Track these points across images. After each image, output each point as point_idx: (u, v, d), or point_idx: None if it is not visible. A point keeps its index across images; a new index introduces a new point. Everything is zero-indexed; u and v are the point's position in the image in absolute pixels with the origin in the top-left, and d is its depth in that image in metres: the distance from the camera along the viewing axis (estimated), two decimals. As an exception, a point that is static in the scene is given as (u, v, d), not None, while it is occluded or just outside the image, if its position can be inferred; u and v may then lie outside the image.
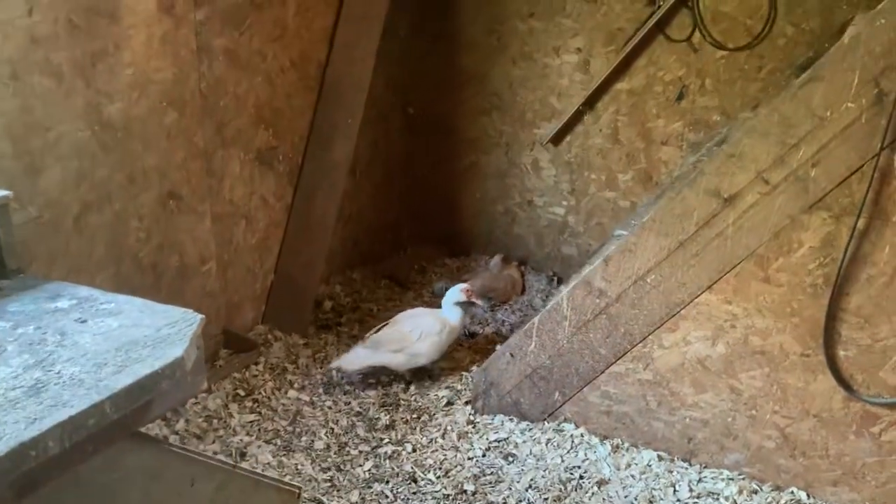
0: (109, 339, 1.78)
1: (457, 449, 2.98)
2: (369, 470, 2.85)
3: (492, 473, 2.85)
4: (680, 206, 2.61)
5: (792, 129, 2.39)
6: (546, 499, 2.70)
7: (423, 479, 2.81)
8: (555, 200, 4.48)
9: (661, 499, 2.70)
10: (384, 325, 3.40)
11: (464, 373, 3.50)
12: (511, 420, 3.12)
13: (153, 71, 2.87)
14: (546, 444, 2.97)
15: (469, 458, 2.93)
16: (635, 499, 2.70)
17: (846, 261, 2.42)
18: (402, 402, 3.29)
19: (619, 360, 2.88)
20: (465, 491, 2.75)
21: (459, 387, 3.40)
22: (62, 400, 1.53)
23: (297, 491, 2.06)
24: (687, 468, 2.85)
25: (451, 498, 2.72)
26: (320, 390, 3.34)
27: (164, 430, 2.92)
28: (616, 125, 4.14)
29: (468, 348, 3.73)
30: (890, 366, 2.46)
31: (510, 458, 2.92)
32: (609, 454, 2.92)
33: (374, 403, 3.26)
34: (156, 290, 3.05)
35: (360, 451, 2.96)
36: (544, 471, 2.85)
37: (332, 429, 3.08)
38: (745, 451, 2.76)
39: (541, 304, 4.03)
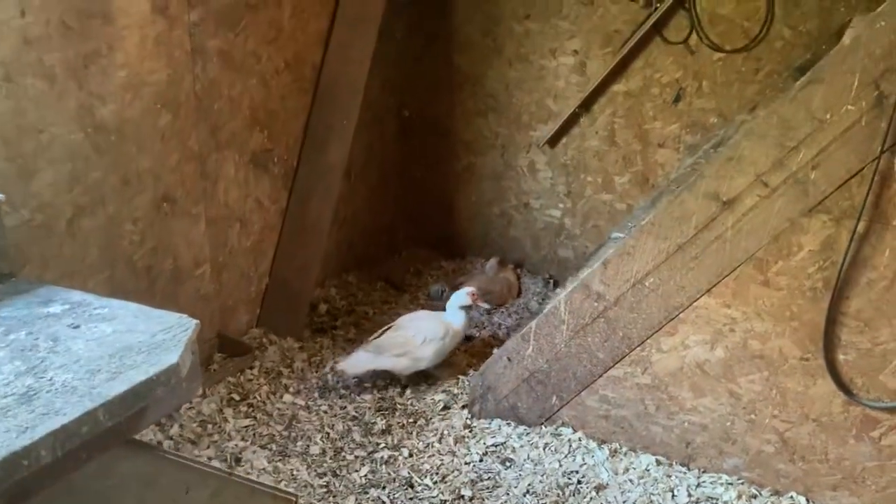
0: (103, 345, 1.76)
1: (454, 454, 2.96)
2: (365, 475, 2.83)
3: (489, 478, 2.82)
4: (679, 209, 2.60)
5: (791, 131, 2.38)
6: (544, 504, 2.69)
7: (419, 485, 2.78)
8: (551, 203, 4.46)
9: (660, 504, 2.69)
10: (387, 329, 3.38)
11: (460, 376, 3.48)
12: (508, 424, 3.10)
13: (147, 73, 2.84)
14: (544, 449, 2.95)
15: (466, 463, 2.90)
16: (634, 504, 2.69)
17: (846, 264, 2.40)
18: (399, 406, 3.27)
19: (617, 364, 2.86)
20: (463, 496, 2.72)
21: (456, 391, 3.38)
22: (54, 408, 1.51)
23: (294, 499, 2.04)
24: (685, 473, 2.83)
25: None
26: (316, 394, 3.31)
27: (158, 436, 2.89)
28: (613, 127, 4.13)
29: (464, 352, 3.70)
30: (890, 370, 2.45)
31: (507, 463, 2.90)
32: (607, 459, 2.90)
33: (370, 408, 3.24)
34: (150, 293, 3.02)
35: (357, 457, 2.93)
36: (542, 476, 2.83)
37: (328, 433, 3.05)
38: (744, 456, 2.75)
39: (537, 307, 4.01)
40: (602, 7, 3.97)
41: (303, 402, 3.24)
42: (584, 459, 2.90)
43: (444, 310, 3.52)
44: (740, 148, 2.47)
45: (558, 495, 2.72)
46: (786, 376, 2.60)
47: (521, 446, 2.98)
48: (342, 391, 3.35)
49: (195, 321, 1.87)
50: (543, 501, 2.70)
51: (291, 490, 2.48)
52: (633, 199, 4.18)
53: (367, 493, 2.73)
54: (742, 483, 2.76)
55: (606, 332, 2.83)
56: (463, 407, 3.24)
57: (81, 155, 2.64)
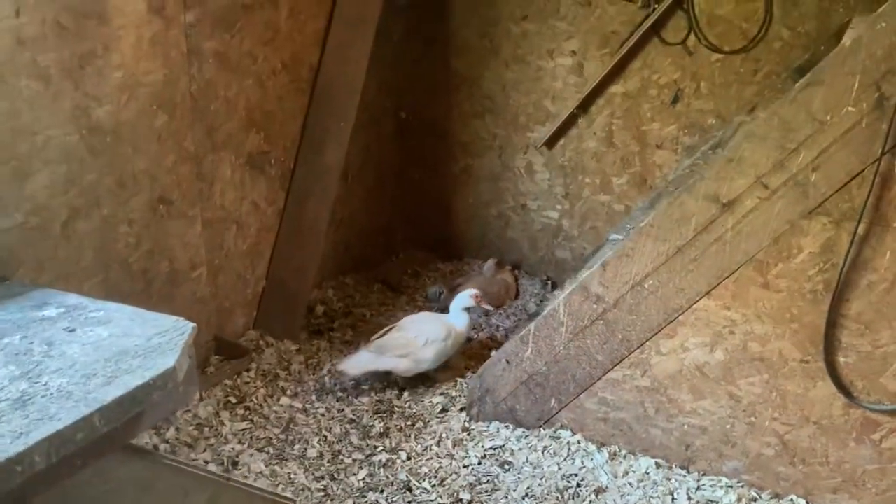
0: (99, 349, 1.74)
1: (452, 457, 2.94)
2: (363, 479, 2.81)
3: (488, 482, 2.81)
4: (678, 211, 2.58)
5: (792, 133, 2.37)
6: (543, 508, 2.67)
7: (418, 488, 2.77)
8: (549, 204, 4.45)
9: (660, 507, 2.68)
10: (389, 330, 3.36)
11: (458, 379, 3.46)
12: (507, 427, 3.09)
13: (143, 73, 2.83)
14: (542, 452, 2.94)
15: (465, 467, 2.89)
16: (633, 507, 2.68)
17: (846, 267, 2.39)
18: (396, 408, 3.25)
19: (616, 366, 2.84)
20: (461, 500, 2.71)
21: (454, 393, 3.36)
22: (49, 413, 1.49)
23: (292, 503, 2.02)
24: (685, 476, 2.82)
25: (446, 507, 2.68)
26: (313, 397, 3.29)
27: (154, 439, 2.87)
28: (610, 128, 4.11)
29: (462, 354, 3.68)
30: (891, 372, 2.44)
31: (506, 466, 2.89)
32: (606, 462, 2.88)
33: (367, 410, 3.22)
34: (146, 296, 3.00)
35: (354, 460, 2.91)
36: (541, 479, 2.81)
37: (326, 437, 3.03)
38: (743, 459, 2.74)
39: (535, 309, 3.99)
40: (600, 8, 3.96)
41: (300, 405, 3.22)
42: (583, 462, 2.89)
43: (440, 311, 3.50)
44: (740, 149, 2.45)
45: (557, 499, 2.71)
46: (786, 379, 2.59)
47: (520, 449, 2.96)
48: (339, 394, 3.33)
49: (192, 324, 1.86)
50: (542, 505, 2.69)
51: (289, 495, 2.47)
52: (631, 200, 4.17)
53: (365, 496, 2.71)
54: (742, 486, 2.74)
55: (605, 334, 2.82)
56: (461, 409, 3.22)
57: (77, 156, 2.62)
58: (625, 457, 2.91)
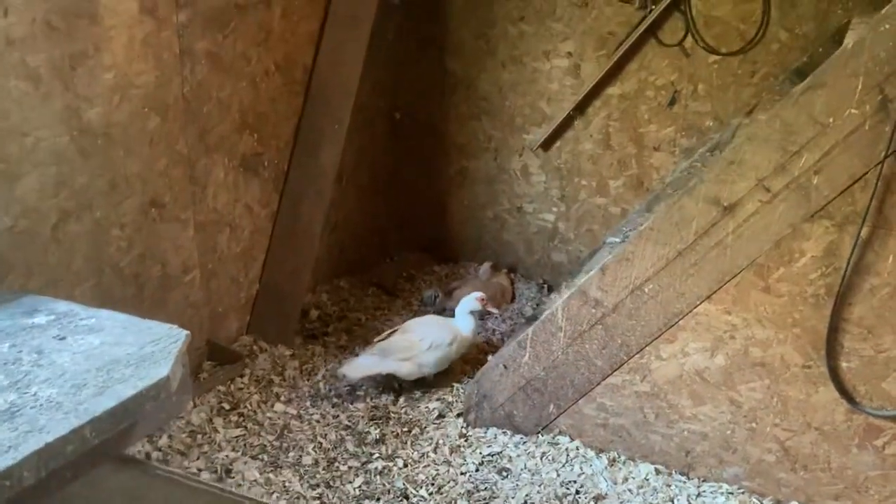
0: (90, 358, 1.70)
1: (449, 464, 2.90)
2: (359, 486, 2.77)
3: (486, 489, 2.77)
4: (678, 214, 2.55)
5: (793, 135, 2.34)
6: (542, 515, 2.64)
7: (415, 496, 2.72)
8: (545, 207, 4.41)
9: (660, 514, 2.65)
10: (393, 332, 3.32)
11: (455, 384, 3.43)
12: (504, 433, 3.05)
13: (134, 74, 2.78)
14: (541, 458, 2.90)
15: (462, 474, 2.85)
16: (633, 514, 2.64)
17: (849, 270, 2.36)
18: (392, 414, 3.20)
19: (615, 371, 2.81)
20: (459, 508, 2.67)
21: (450, 399, 3.33)
22: (38, 425, 1.45)
23: (287, 514, 1.98)
24: (685, 482, 2.78)
25: (444, 515, 2.64)
26: (307, 403, 3.24)
27: (147, 447, 2.82)
28: (607, 130, 4.08)
29: (458, 358, 3.64)
30: (894, 377, 2.41)
31: (504, 473, 2.85)
32: (606, 468, 2.85)
33: (363, 416, 3.18)
34: (137, 300, 2.95)
35: (350, 467, 2.87)
36: (539, 486, 2.77)
37: (321, 443, 2.99)
38: (744, 465, 2.71)
39: (531, 313, 3.96)
40: (596, 9, 3.93)
41: (294, 411, 3.17)
42: (582, 469, 2.85)
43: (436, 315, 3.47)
44: (741, 152, 2.43)
45: (556, 506, 2.68)
46: (787, 384, 2.56)
47: (518, 455, 2.93)
48: (334, 399, 3.28)
49: (186, 332, 1.81)
50: (541, 512, 2.65)
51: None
52: (627, 202, 4.14)
53: (361, 504, 2.68)
54: (743, 492, 2.71)
55: (604, 339, 2.79)
56: (458, 415, 3.19)
57: (67, 158, 2.57)
58: (624, 463, 2.88)
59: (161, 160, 2.96)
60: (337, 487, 2.75)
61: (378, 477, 2.82)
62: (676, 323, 2.66)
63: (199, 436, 2.94)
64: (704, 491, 2.74)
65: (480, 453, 2.95)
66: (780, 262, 2.47)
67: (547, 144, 4.27)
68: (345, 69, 3.66)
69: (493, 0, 4.17)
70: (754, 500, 2.69)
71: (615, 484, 2.78)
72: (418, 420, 3.17)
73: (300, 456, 2.90)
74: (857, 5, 3.36)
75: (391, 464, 2.89)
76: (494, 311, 3.55)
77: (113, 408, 1.52)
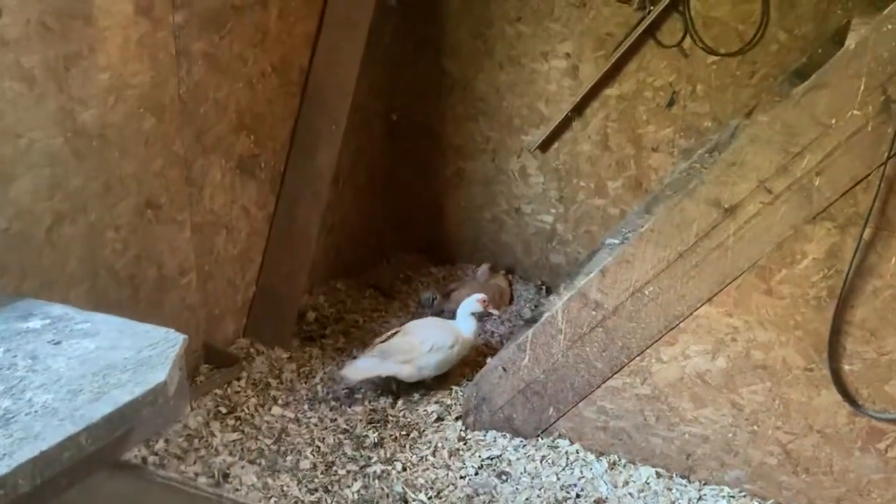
0: (86, 363, 1.67)
1: (448, 467, 2.88)
2: (358, 491, 2.74)
3: (485, 493, 2.75)
4: (679, 216, 2.53)
5: (795, 137, 2.32)
6: (542, 519, 2.61)
7: (414, 500, 2.70)
8: (543, 208, 4.39)
9: (661, 518, 2.63)
10: (394, 334, 3.30)
11: (453, 386, 3.40)
12: (504, 436, 3.03)
13: (130, 75, 2.75)
14: (541, 462, 2.88)
15: (461, 477, 2.83)
16: (634, 518, 2.63)
17: (851, 272, 2.35)
18: (391, 417, 3.18)
19: (615, 374, 2.79)
20: (459, 512, 2.65)
21: (449, 401, 3.30)
22: (33, 432, 1.42)
23: (286, 520, 1.95)
24: (686, 485, 2.77)
25: (444, 520, 2.62)
26: (305, 406, 3.22)
27: (143, 451, 2.79)
28: (605, 131, 4.07)
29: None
30: (896, 380, 2.40)
31: (504, 477, 2.83)
32: (606, 471, 2.83)
33: (360, 420, 3.15)
34: (133, 303, 2.92)
35: (348, 471, 2.84)
36: (539, 489, 2.75)
37: (319, 447, 2.96)
38: (746, 468, 2.69)
39: (530, 315, 3.94)
40: (594, 10, 3.91)
41: (292, 415, 3.14)
42: (582, 472, 2.83)
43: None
44: (743, 153, 2.41)
45: (557, 510, 2.66)
46: (789, 387, 2.55)
47: (518, 459, 2.91)
48: (332, 403, 3.25)
49: (183, 336, 1.78)
50: (541, 516, 2.63)
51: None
52: (626, 204, 4.12)
53: (359, 509, 2.65)
54: (744, 496, 2.70)
55: (605, 341, 2.77)
56: (457, 418, 3.16)
57: (62, 160, 2.54)
58: (625, 466, 2.86)
59: (157, 161, 2.94)
60: (335, 492, 2.73)
61: (377, 481, 2.79)
62: (677, 325, 2.65)
63: (196, 440, 2.91)
64: (706, 494, 2.73)
65: (480, 457, 2.93)
66: (782, 264, 2.45)
67: (545, 146, 4.25)
68: (341, 70, 3.63)
69: (490, 1, 4.15)
70: (756, 503, 2.67)
71: (615, 487, 2.76)
72: (417, 423, 3.14)
73: (298, 460, 2.88)
74: (857, 6, 3.35)
75: (390, 468, 2.86)
76: (495, 312, 3.53)
77: (109, 414, 1.49)
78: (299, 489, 2.72)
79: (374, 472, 2.84)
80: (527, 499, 2.70)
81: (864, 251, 2.33)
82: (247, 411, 3.12)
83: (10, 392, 1.55)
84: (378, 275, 4.54)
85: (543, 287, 4.40)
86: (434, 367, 3.26)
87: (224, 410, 3.10)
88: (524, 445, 2.97)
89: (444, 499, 2.71)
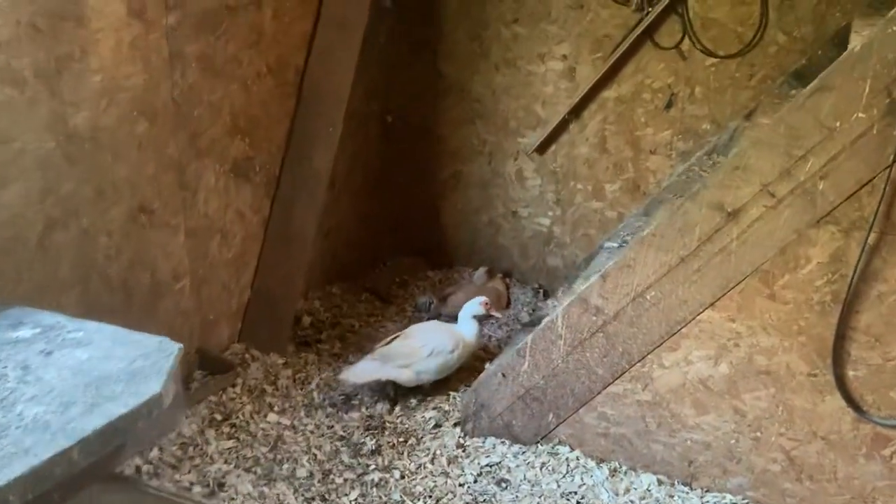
0: (78, 374, 1.62)
1: (447, 475, 2.84)
2: (356, 499, 2.70)
3: (485, 501, 2.71)
4: (681, 220, 2.50)
5: (799, 140, 2.29)
6: (543, 528, 2.58)
7: (413, 509, 2.66)
8: (540, 211, 4.36)
9: (664, 526, 2.59)
10: (396, 338, 3.26)
11: (451, 392, 3.36)
12: (503, 443, 2.99)
13: (122, 78, 2.70)
14: (541, 469, 2.84)
15: (460, 485, 2.79)
16: (636, 526, 2.59)
17: (856, 277, 2.32)
18: (388, 424, 3.14)
19: (616, 380, 2.76)
20: (458, 521, 2.61)
21: (447, 407, 3.26)
22: (24, 447, 1.37)
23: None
24: (688, 493, 2.74)
25: (443, 529, 2.58)
26: (301, 413, 3.17)
27: (137, 460, 2.74)
28: (603, 134, 4.04)
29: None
30: (901, 386, 2.37)
31: (503, 484, 2.79)
32: (607, 478, 2.80)
33: (358, 427, 3.11)
34: (126, 309, 2.87)
35: (346, 479, 2.80)
36: (539, 497, 2.72)
37: (315, 455, 2.92)
38: (749, 475, 2.66)
39: (527, 318, 3.90)
40: (592, 11, 3.89)
41: (288, 422, 3.10)
42: (582, 479, 2.80)
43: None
44: (746, 157, 2.38)
45: (557, 518, 2.62)
46: (793, 393, 2.52)
47: (517, 466, 2.87)
48: (329, 409, 3.21)
49: (178, 345, 1.74)
50: (542, 525, 2.59)
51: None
52: (624, 206, 4.09)
53: (357, 518, 2.61)
54: (747, 503, 2.67)
55: (605, 347, 2.73)
56: (455, 425, 3.12)
57: (53, 165, 2.49)
58: (625, 473, 2.83)
59: (150, 165, 2.89)
60: (332, 500, 2.68)
61: (374, 489, 2.75)
62: (679, 330, 2.61)
63: (191, 448, 2.86)
64: (708, 502, 2.70)
65: (479, 464, 2.89)
66: (786, 268, 2.42)
67: (542, 148, 4.22)
68: (337, 72, 3.59)
69: (487, 2, 4.12)
70: (759, 510, 2.65)
71: (617, 495, 2.73)
72: (414, 430, 3.10)
73: (294, 468, 2.83)
74: (856, 8, 3.33)
75: (388, 475, 2.82)
76: (497, 314, 3.49)
77: (103, 427, 1.45)
78: (296, 498, 2.67)
79: (372, 480, 2.80)
80: (527, 507, 2.67)
81: (868, 255, 2.31)
82: (242, 418, 3.07)
83: (0, 404, 1.51)
84: (374, 279, 4.50)
85: (541, 290, 4.37)
86: (434, 371, 3.22)
87: (219, 418, 3.05)
88: (524, 452, 2.94)
89: (443, 507, 2.67)
